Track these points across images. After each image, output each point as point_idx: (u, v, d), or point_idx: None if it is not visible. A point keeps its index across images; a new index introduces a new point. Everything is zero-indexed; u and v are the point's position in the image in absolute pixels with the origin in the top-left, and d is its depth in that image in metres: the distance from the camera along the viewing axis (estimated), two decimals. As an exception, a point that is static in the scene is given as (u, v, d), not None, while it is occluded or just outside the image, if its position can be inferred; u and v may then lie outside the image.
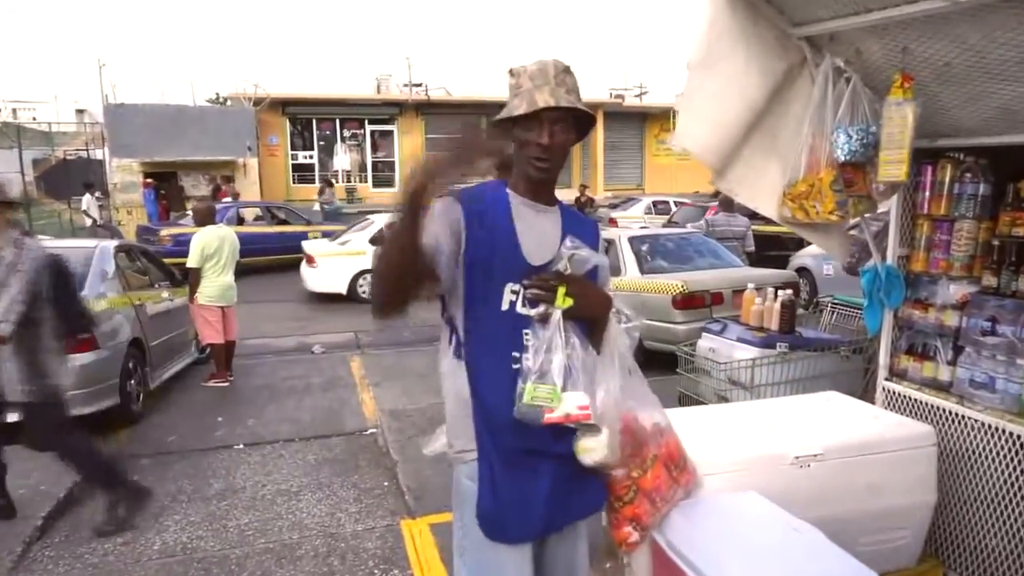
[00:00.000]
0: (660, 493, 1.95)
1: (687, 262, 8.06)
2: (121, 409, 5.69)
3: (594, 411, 1.64)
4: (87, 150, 24.83)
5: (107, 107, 20.97)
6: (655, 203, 18.53)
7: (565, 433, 1.70)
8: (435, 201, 1.62)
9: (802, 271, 10.51)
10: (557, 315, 1.62)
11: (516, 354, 1.66)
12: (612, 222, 17.42)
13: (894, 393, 3.04)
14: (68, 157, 24.26)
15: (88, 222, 17.83)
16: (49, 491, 4.24)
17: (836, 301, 4.31)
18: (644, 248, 8.02)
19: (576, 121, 1.71)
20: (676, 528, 2.07)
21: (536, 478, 1.68)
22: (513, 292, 1.67)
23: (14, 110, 40.60)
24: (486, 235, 1.66)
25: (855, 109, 2.45)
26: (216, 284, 6.94)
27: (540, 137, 1.64)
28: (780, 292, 3.71)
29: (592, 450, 1.68)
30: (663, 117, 25.53)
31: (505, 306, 1.67)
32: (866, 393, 3.51)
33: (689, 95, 2.43)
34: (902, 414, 2.95)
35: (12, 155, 21.95)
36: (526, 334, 1.67)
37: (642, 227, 16.37)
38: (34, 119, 32.20)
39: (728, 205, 9.41)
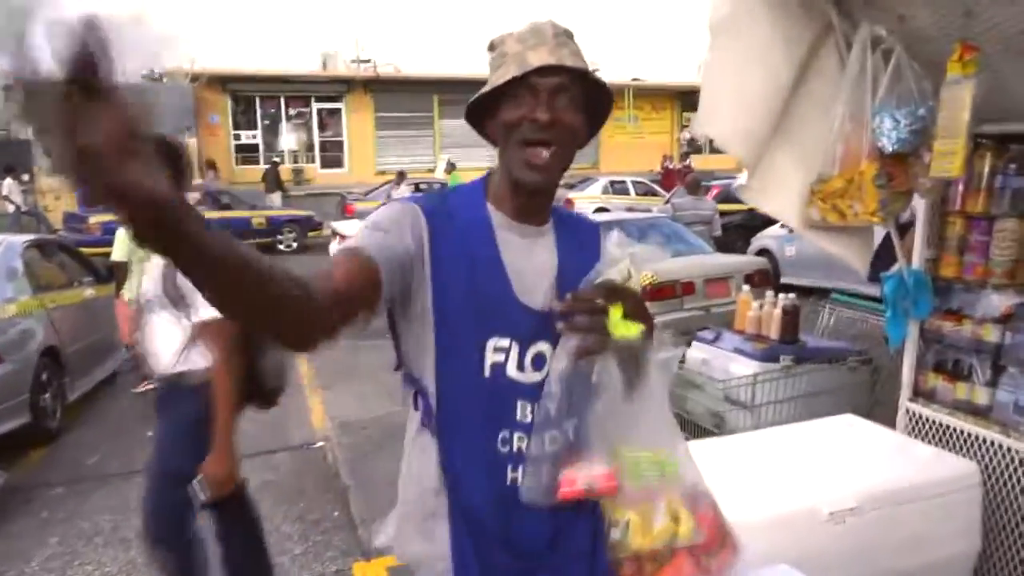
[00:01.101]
0: None
1: (655, 249, 7.70)
2: (33, 428, 5.03)
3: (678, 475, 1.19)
4: (7, 130, 23.20)
5: (29, 83, 19.52)
6: (612, 183, 18.16)
7: (564, 532, 1.24)
8: (387, 204, 1.15)
9: (764, 253, 10.30)
10: (608, 356, 1.13)
11: (506, 433, 1.20)
12: (568, 203, 17.08)
13: (920, 417, 2.66)
14: (-14, 137, 22.64)
15: (11, 208, 16.55)
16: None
17: (836, 300, 3.93)
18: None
19: (585, 101, 1.20)
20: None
21: None
22: (499, 350, 1.18)
23: (-70, 86, 37.99)
24: (462, 270, 1.17)
25: (899, 88, 2.02)
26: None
27: (535, 110, 1.14)
28: (781, 296, 3.30)
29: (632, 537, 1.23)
30: (617, 95, 25.05)
31: (487, 371, 1.18)
32: (874, 410, 3.15)
33: (714, 66, 1.95)
34: (930, 442, 2.58)
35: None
36: (522, 406, 1.20)
37: (598, 208, 16.10)
38: (-49, 96, 30.01)
39: (694, 187, 9.08)
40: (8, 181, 16.53)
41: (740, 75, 1.96)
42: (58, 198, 17.74)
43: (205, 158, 19.27)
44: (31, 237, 6.60)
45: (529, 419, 1.20)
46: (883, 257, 2.77)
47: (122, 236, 6.36)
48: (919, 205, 2.57)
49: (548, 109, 1.14)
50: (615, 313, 1.10)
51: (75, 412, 5.80)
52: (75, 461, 4.93)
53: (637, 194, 17.77)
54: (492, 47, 1.24)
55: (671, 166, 21.41)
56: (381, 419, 5.14)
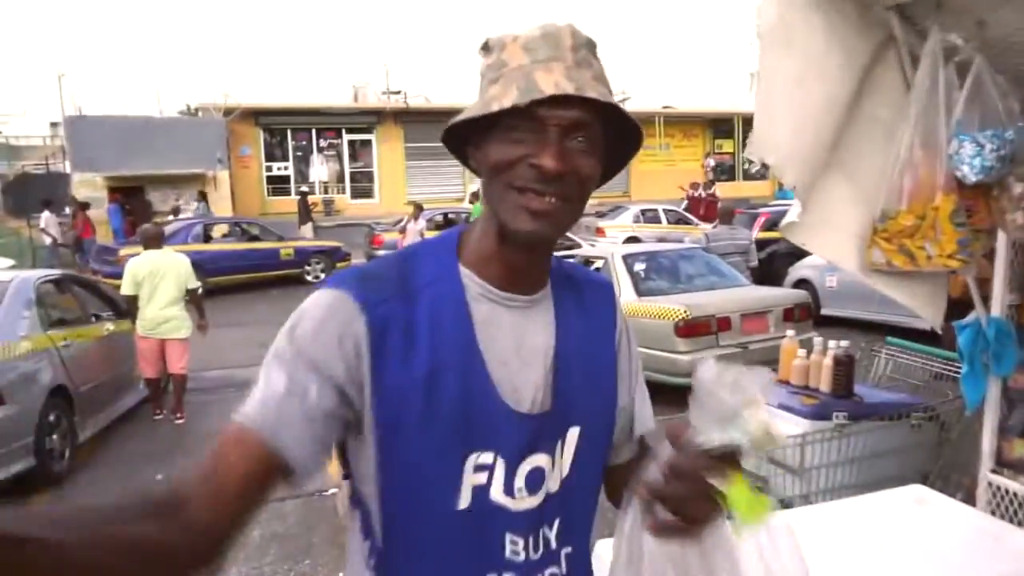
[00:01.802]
0: None
1: (688, 282, 7.36)
2: (39, 471, 4.89)
3: None
4: (46, 164, 23.85)
5: (68, 119, 20.12)
6: (643, 211, 17.81)
7: None
8: (309, 303, 0.85)
9: (802, 283, 9.82)
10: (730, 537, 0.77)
11: None
12: (599, 232, 16.75)
13: (1005, 491, 2.27)
14: (27, 171, 23.26)
15: (48, 241, 16.87)
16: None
17: (891, 344, 3.53)
18: (640, 267, 7.28)
19: (604, 136, 0.88)
20: None
21: None
22: (480, 468, 0.87)
23: (-18, 123, 39.51)
24: (422, 375, 0.85)
25: (980, 107, 1.69)
26: (145, 315, 6.25)
27: (541, 154, 0.82)
28: (832, 344, 2.92)
29: None
30: (647, 122, 24.92)
31: (464, 502, 0.86)
32: (941, 475, 2.75)
33: (764, 80, 1.63)
34: (1019, 522, 2.19)
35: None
36: (512, 541, 0.88)
37: (629, 237, 15.75)
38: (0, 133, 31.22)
39: (728, 217, 8.73)
40: (46, 214, 16.88)
41: (797, 90, 1.64)
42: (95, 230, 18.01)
43: (197, 190, 19.46)
44: (47, 273, 6.51)
45: (522, 557, 0.89)
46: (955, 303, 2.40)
47: (127, 271, 6.29)
48: (1000, 244, 2.21)
49: (558, 155, 0.82)
50: (738, 490, 0.75)
51: (87, 452, 5.66)
52: (78, 507, 4.73)
53: (669, 222, 17.40)
54: (487, 48, 0.90)
55: (695, 194, 21.01)
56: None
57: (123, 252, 13.33)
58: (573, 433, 0.93)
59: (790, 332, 3.28)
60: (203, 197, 18.95)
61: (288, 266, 15.04)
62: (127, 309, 6.72)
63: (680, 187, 21.91)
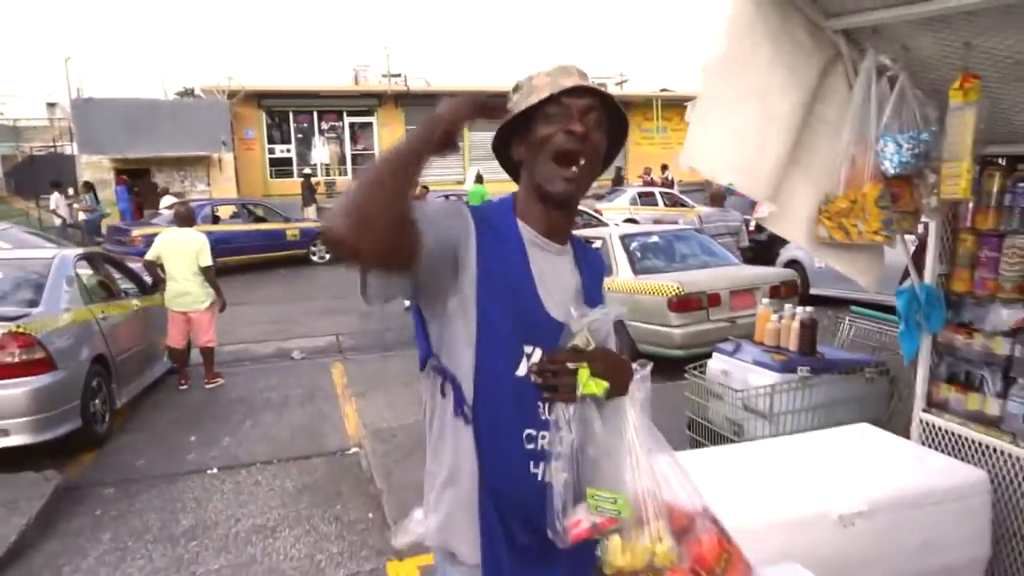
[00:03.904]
0: None
1: (681, 261, 7.80)
2: (84, 432, 5.30)
3: (629, 508, 1.30)
4: (55, 146, 24.06)
5: (74, 102, 20.28)
6: (640, 194, 18.21)
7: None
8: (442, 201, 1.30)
9: (792, 264, 10.26)
10: (580, 406, 1.27)
11: (531, 431, 1.32)
12: (597, 213, 17.18)
13: (933, 427, 2.75)
14: (35, 153, 23.48)
15: (58, 221, 17.19)
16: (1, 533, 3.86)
17: (856, 313, 4.00)
18: (636, 247, 7.72)
19: (608, 125, 1.36)
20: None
21: None
22: (526, 356, 1.32)
23: (-19, 104, 39.45)
24: (503, 273, 1.30)
25: (903, 113, 2.13)
26: (168, 289, 6.86)
27: (570, 123, 1.28)
28: (799, 310, 3.39)
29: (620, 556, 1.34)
30: (645, 106, 25.20)
31: (522, 370, 1.31)
32: (891, 420, 3.22)
33: (703, 104, 2.08)
34: (943, 451, 2.66)
35: (-23, 152, 21.21)
36: (541, 406, 1.32)
37: (627, 219, 16.13)
38: (0, 113, 31.22)
39: (719, 199, 9.14)
40: (56, 196, 17.16)
41: (732, 112, 2.09)
42: (107, 215, 18.32)
43: (160, 185, 19.42)
44: (81, 250, 6.94)
45: (545, 417, 1.32)
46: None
47: (156, 243, 6.84)
48: (932, 224, 2.66)
49: (581, 123, 1.28)
50: (583, 373, 1.26)
51: (123, 417, 6.08)
52: (123, 463, 5.18)
53: (666, 205, 17.79)
54: (517, 87, 1.38)
55: (649, 179, 21.46)
56: (410, 427, 5.30)
57: (136, 232, 13.72)
58: None
59: (765, 300, 3.73)
60: (89, 188, 18.15)
61: (294, 246, 15.40)
62: (152, 283, 7.19)
63: (638, 176, 22.28)
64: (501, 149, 1.44)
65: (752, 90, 2.16)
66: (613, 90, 27.60)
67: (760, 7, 2.15)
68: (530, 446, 1.32)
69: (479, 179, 15.39)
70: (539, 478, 1.32)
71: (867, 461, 2.45)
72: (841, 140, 2.22)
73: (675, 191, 19.08)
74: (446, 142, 1.21)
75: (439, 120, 1.21)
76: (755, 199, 2.31)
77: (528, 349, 1.31)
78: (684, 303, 6.66)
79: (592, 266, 1.50)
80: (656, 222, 13.96)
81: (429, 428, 1.41)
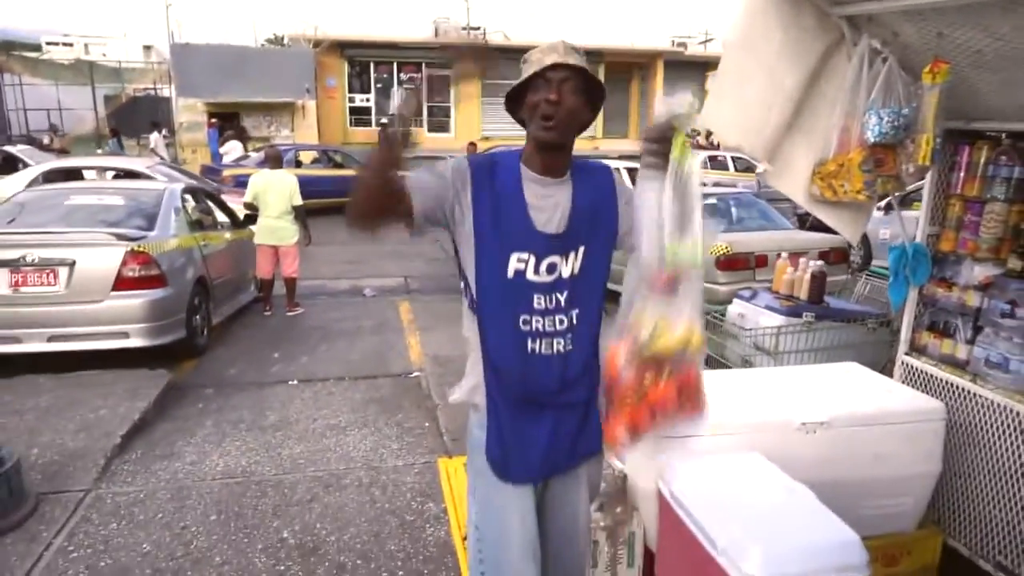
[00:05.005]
0: (662, 409, 1.75)
1: (737, 223, 8.06)
2: (187, 342, 6.13)
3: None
4: (155, 89, 25.54)
5: (173, 46, 21.42)
6: (711, 157, 18.16)
7: (568, 384, 1.85)
8: (449, 159, 1.81)
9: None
10: (687, 166, 1.61)
11: (525, 316, 1.79)
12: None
13: (912, 368, 3.13)
14: (137, 95, 25.00)
15: (157, 160, 18.46)
16: (126, 414, 4.69)
17: (871, 272, 4.33)
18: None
19: (587, 92, 1.77)
20: (681, 482, 2.27)
21: (538, 425, 1.85)
22: (521, 261, 1.77)
23: (86, 45, 41.78)
24: (492, 203, 1.76)
25: (889, 91, 2.48)
26: (260, 225, 7.62)
27: (548, 93, 1.71)
28: (812, 263, 3.77)
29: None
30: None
31: (510, 274, 1.77)
32: (887, 366, 3.59)
33: (721, 77, 2.50)
34: (918, 389, 3.05)
35: (86, 91, 22.73)
36: (537, 298, 1.79)
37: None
38: (104, 55, 33.07)
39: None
40: (155, 135, 18.44)
41: (744, 84, 2.49)
42: (195, 152, 19.56)
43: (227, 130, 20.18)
44: (187, 183, 7.76)
45: (542, 306, 1.80)
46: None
47: (251, 183, 7.54)
48: (926, 190, 3.00)
49: (556, 93, 1.71)
50: (679, 139, 1.61)
51: (216, 335, 6.92)
52: (219, 371, 6.01)
53: (737, 170, 17.72)
54: (525, 60, 1.84)
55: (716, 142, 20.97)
56: (465, 357, 5.91)
57: (227, 173, 14.76)
58: (580, 249, 1.85)
59: (784, 254, 4.11)
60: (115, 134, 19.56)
61: (369, 193, 16.11)
62: (246, 217, 7.98)
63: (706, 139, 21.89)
64: (513, 109, 1.91)
65: (762, 67, 2.55)
66: (696, 49, 27.10)
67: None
68: (525, 327, 1.80)
69: (475, 146, 15.90)
70: (536, 351, 1.81)
71: (842, 389, 2.87)
72: (835, 112, 2.60)
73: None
74: (395, 161, 1.69)
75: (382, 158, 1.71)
76: (756, 159, 2.72)
77: (524, 256, 1.78)
78: (731, 262, 6.98)
79: (598, 182, 1.88)
80: (716, 185, 14.06)
81: (464, 325, 1.95)
